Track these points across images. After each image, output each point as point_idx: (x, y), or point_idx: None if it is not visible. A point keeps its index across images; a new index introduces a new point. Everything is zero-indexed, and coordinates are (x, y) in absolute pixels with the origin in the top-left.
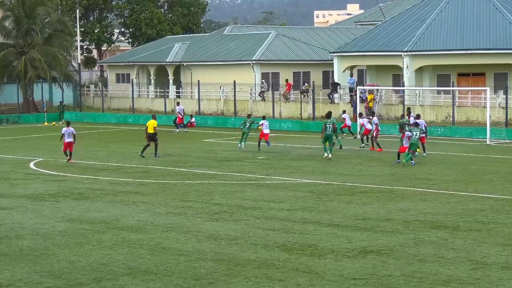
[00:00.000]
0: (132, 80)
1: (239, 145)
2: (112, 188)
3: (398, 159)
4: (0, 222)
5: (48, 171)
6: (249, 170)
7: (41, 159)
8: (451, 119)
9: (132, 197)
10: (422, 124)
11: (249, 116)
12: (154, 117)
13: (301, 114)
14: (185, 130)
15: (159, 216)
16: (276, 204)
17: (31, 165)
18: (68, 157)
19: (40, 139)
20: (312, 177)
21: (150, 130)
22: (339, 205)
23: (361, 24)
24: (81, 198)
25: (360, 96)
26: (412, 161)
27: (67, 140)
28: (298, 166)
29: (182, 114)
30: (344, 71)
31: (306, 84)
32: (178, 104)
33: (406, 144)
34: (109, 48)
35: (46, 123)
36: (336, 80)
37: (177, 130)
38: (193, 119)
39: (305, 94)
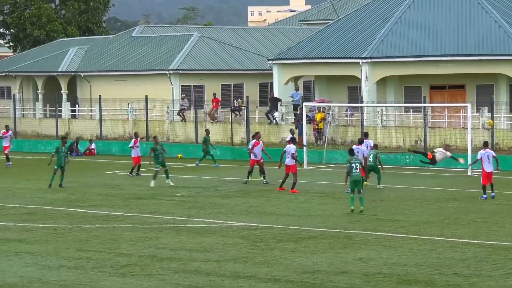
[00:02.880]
0: (14, 95)
1: (152, 182)
2: None
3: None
4: None
5: None
6: (165, 210)
7: None
8: (422, 143)
9: (14, 247)
10: (367, 144)
11: (155, 139)
12: None
13: (232, 138)
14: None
15: (49, 271)
16: (201, 253)
17: None
18: None
19: None
20: (246, 219)
21: None
22: (281, 255)
23: (308, 24)
24: None
25: (307, 115)
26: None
27: None
28: (229, 204)
29: None
30: (286, 83)
31: (238, 100)
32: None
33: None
34: None
35: None
36: (276, 95)
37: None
38: (92, 145)
39: (237, 112)
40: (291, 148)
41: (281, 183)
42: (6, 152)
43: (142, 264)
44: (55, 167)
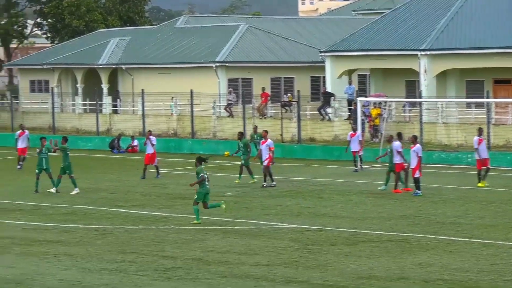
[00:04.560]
0: (52, 89)
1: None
2: (26, 236)
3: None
4: None
5: None
6: (212, 211)
7: None
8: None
9: (53, 248)
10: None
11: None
12: None
13: (282, 134)
14: None
15: (90, 274)
16: (250, 257)
17: None
18: None
19: None
20: (298, 221)
21: None
22: (335, 259)
23: (362, 14)
24: None
25: (362, 111)
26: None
27: None
28: (279, 205)
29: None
30: (340, 77)
31: (288, 94)
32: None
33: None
34: (20, 45)
35: None
36: (329, 89)
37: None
38: (135, 142)
39: (287, 108)
40: (398, 145)
41: (394, 185)
42: (22, 154)
43: (187, 268)
44: (36, 171)
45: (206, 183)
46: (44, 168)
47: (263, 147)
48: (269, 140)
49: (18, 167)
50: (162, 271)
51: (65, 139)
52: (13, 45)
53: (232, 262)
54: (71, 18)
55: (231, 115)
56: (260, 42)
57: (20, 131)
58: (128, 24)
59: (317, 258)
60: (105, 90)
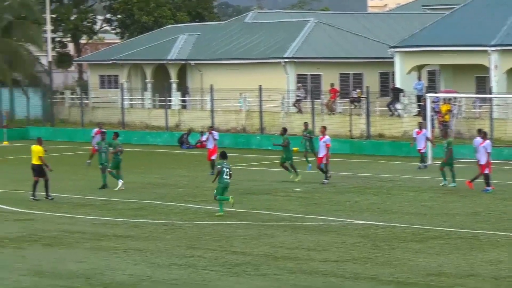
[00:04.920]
0: (122, 84)
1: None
2: (95, 231)
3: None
4: None
5: (9, 207)
6: (281, 206)
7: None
8: None
9: (123, 243)
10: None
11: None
12: (39, 142)
13: (351, 130)
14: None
15: (159, 269)
16: (319, 253)
17: None
18: None
19: None
20: (367, 217)
21: (35, 161)
22: (404, 255)
23: (432, 9)
24: (53, 244)
25: (431, 107)
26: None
27: None
28: (348, 201)
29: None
30: (409, 72)
31: (357, 90)
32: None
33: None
34: (90, 41)
35: (5, 142)
36: (398, 85)
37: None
38: (204, 137)
39: (356, 103)
40: (488, 144)
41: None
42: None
43: (256, 263)
44: (100, 166)
45: (225, 176)
46: (103, 162)
47: (321, 143)
48: (327, 137)
49: (89, 161)
50: (231, 267)
51: (116, 135)
52: (83, 40)
53: (301, 258)
54: (140, 13)
55: (300, 111)
56: (329, 38)
57: (97, 129)
58: (197, 20)
59: (386, 254)
60: (174, 85)
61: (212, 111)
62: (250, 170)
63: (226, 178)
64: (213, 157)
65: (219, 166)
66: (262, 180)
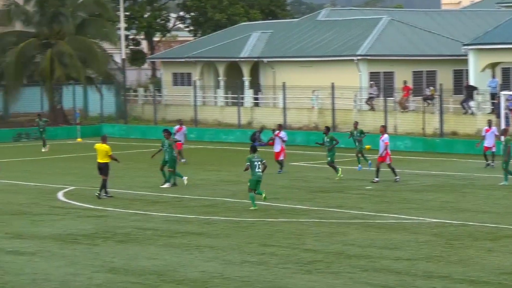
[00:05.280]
0: (195, 82)
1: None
2: (168, 228)
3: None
4: (18, 272)
5: (82, 204)
6: (353, 204)
7: (72, 187)
8: None
9: (195, 240)
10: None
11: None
12: (104, 140)
13: (424, 128)
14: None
15: (231, 266)
16: (391, 251)
17: (59, 195)
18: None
19: (72, 160)
20: (440, 215)
21: (100, 159)
22: (477, 254)
23: (507, 6)
24: (126, 241)
25: (506, 105)
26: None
27: None
28: (421, 200)
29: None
30: (483, 70)
31: (431, 88)
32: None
33: None
34: (163, 39)
35: (79, 139)
36: (471, 83)
37: None
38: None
39: (429, 101)
40: None
41: None
42: (179, 149)
43: (328, 261)
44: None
45: (257, 170)
46: (166, 160)
47: (380, 142)
48: (386, 135)
49: (183, 160)
50: (303, 264)
51: (168, 133)
52: (156, 38)
53: (373, 256)
54: (214, 11)
55: (372, 108)
56: (402, 35)
57: (178, 126)
58: (269, 18)
59: (459, 253)
60: (246, 83)
61: (284, 108)
62: (322, 168)
63: (259, 171)
64: (281, 158)
65: (248, 163)
66: (335, 178)
